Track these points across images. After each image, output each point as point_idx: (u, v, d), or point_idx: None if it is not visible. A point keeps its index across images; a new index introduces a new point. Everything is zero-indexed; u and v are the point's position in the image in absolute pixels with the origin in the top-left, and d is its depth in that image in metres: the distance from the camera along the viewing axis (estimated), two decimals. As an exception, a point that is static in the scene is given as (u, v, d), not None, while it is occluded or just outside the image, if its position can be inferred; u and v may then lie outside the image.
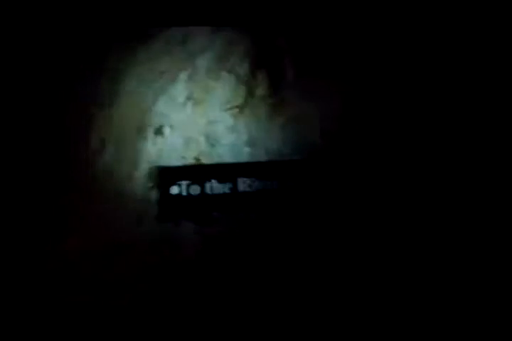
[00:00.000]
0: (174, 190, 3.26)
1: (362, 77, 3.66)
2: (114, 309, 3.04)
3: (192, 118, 3.44)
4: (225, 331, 3.06)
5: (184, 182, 3.27)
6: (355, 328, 3.13)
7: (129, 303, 3.07)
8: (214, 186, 3.30)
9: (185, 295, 3.19)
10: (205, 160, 3.38)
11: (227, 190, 3.32)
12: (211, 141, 3.42)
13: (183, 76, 3.46)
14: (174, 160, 3.34)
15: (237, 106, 3.50)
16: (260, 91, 3.56)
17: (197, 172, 3.31)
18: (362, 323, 3.15)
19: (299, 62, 3.62)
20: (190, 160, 3.37)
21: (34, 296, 3.01)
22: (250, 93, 3.55)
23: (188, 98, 3.46)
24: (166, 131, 3.36)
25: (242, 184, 3.35)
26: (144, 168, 3.30)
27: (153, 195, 3.27)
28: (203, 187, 3.29)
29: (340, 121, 3.63)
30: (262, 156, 3.48)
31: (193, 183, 3.28)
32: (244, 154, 3.45)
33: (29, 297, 3.00)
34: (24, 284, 3.02)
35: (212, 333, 3.05)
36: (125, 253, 3.17)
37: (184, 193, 3.26)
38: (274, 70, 3.60)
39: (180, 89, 3.45)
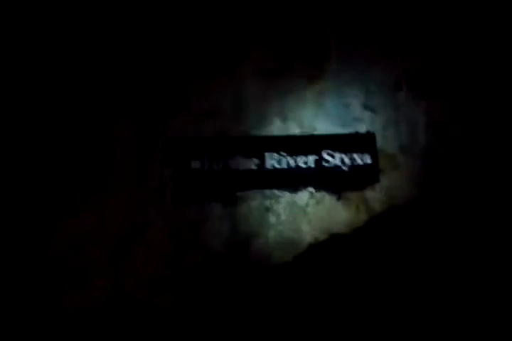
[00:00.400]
0: (195, 164, 2.90)
1: (411, 46, 3.22)
2: (124, 296, 2.73)
3: (218, 86, 3.06)
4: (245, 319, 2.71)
5: (206, 157, 2.91)
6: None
7: (141, 292, 2.75)
8: (239, 161, 2.93)
9: (209, 287, 2.84)
10: (230, 133, 3.00)
11: (253, 166, 2.93)
12: (238, 111, 3.04)
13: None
14: (196, 132, 2.98)
15: (268, 74, 3.10)
16: (296, 57, 3.15)
17: (221, 145, 2.94)
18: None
19: (341, 28, 3.20)
20: (213, 133, 3.00)
21: (39, 279, 2.72)
22: (284, 59, 3.14)
23: (216, 65, 3.09)
24: (189, 99, 3.00)
25: (271, 159, 2.96)
26: (163, 139, 2.95)
27: (172, 169, 2.91)
28: (226, 163, 2.92)
29: (385, 93, 3.19)
30: (293, 129, 3.08)
31: (215, 158, 2.91)
32: (274, 127, 3.05)
33: (34, 279, 2.71)
34: (30, 265, 2.72)
35: (230, 320, 2.70)
36: (139, 236, 2.84)
37: (206, 168, 2.90)
38: (313, 36, 3.19)
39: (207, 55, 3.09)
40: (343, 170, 3.00)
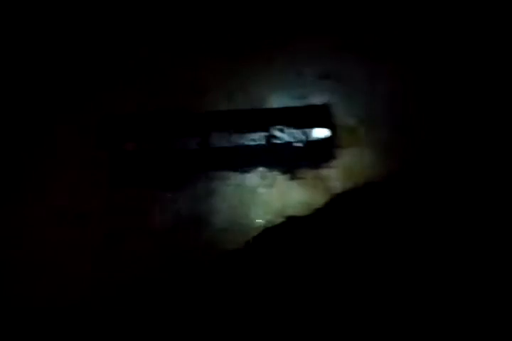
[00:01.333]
0: (130, 145, 2.64)
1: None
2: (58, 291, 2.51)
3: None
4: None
5: (142, 137, 2.65)
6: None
7: (75, 287, 2.53)
8: (180, 141, 2.66)
9: (151, 280, 2.60)
10: (168, 109, 2.73)
11: (195, 146, 2.67)
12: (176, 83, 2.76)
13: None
14: (131, 108, 2.72)
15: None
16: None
17: (159, 123, 2.67)
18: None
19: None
20: (150, 109, 2.73)
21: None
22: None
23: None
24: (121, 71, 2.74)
25: (217, 138, 2.68)
26: (96, 118, 2.69)
27: (106, 151, 2.66)
28: (166, 142, 2.65)
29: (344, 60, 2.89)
30: (245, 104, 2.80)
31: (153, 137, 2.65)
32: (217, 101, 2.77)
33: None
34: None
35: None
36: (80, 224, 2.60)
37: (141, 150, 2.64)
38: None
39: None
40: (296, 147, 2.72)
